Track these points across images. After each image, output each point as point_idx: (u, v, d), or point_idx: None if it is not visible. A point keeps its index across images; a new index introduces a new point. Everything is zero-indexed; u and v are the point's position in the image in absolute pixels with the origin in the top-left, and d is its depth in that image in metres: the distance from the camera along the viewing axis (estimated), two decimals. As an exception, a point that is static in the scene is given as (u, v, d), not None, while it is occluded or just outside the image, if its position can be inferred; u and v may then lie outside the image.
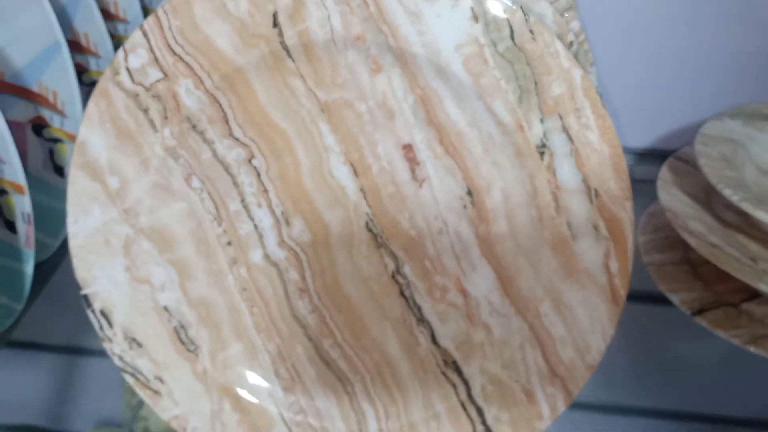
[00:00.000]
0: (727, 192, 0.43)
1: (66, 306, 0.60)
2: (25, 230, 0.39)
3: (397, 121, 0.32)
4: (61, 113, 0.45)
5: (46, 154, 0.46)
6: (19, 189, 0.38)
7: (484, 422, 0.34)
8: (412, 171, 0.33)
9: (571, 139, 0.30)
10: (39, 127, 0.46)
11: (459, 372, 0.35)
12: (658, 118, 0.57)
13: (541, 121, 0.30)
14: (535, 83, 0.30)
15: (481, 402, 0.34)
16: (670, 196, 0.48)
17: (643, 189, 0.54)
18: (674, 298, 0.48)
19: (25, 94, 0.45)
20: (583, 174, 0.31)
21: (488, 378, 0.34)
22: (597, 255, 0.31)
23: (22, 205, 0.38)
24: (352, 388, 0.35)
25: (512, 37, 0.29)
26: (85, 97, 0.47)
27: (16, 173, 0.37)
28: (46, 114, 0.45)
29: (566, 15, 0.37)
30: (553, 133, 0.30)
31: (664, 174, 0.51)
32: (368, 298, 0.34)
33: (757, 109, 0.51)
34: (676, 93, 0.57)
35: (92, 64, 0.48)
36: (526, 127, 0.31)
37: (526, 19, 0.29)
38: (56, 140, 0.46)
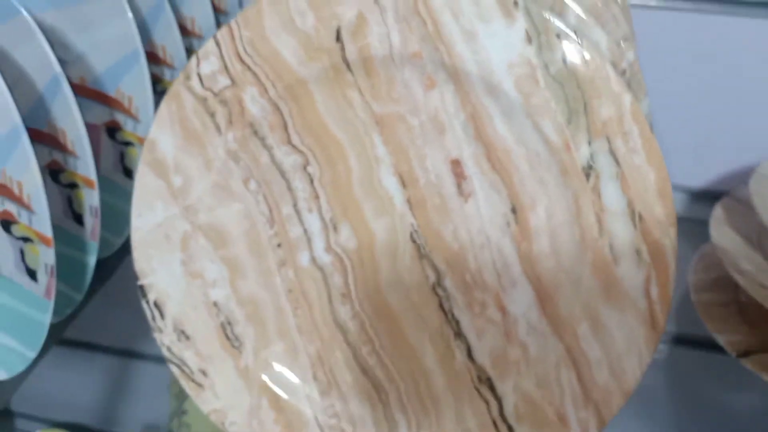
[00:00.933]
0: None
1: (122, 308, 0.62)
2: (92, 223, 0.41)
3: (447, 135, 0.33)
4: (134, 118, 0.48)
5: (117, 157, 0.49)
6: (89, 184, 0.40)
7: (515, 441, 0.34)
8: (459, 185, 0.34)
9: (617, 162, 0.31)
10: (113, 130, 0.49)
11: (492, 389, 0.35)
12: (713, 157, 0.56)
13: (589, 142, 0.31)
14: (585, 105, 0.31)
15: (512, 421, 0.34)
16: (722, 235, 0.48)
17: (695, 229, 0.53)
18: (720, 339, 0.47)
19: (103, 98, 0.48)
20: (628, 197, 0.31)
21: (521, 397, 0.34)
22: (638, 280, 0.32)
23: (91, 198, 0.41)
24: (387, 397, 0.36)
25: (564, 60, 0.30)
26: (158, 104, 0.50)
27: (88, 169, 0.40)
28: (120, 118, 0.48)
29: (623, 45, 0.38)
30: (599, 155, 0.31)
31: (718, 213, 0.51)
32: (408, 309, 0.35)
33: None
34: (732, 132, 0.56)
35: (167, 74, 0.51)
36: (574, 147, 0.31)
37: (579, 43, 0.30)
38: (128, 143, 0.49)
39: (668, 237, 0.31)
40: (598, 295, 0.32)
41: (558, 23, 0.30)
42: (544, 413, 0.34)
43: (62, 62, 0.48)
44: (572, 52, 0.30)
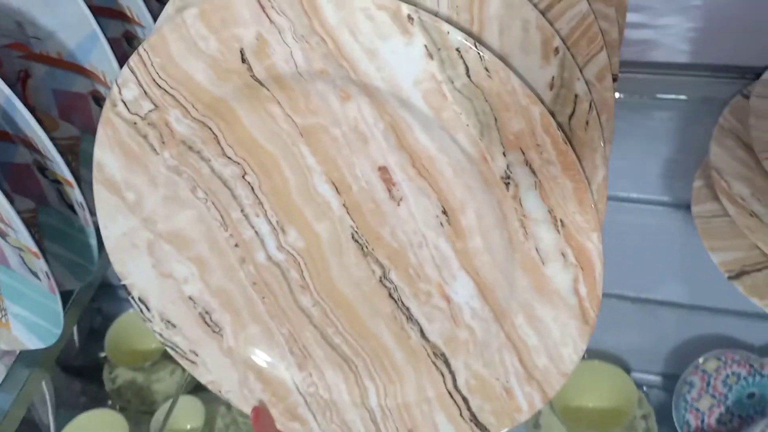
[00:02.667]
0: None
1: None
2: (83, 213, 0.44)
3: (371, 145, 0.33)
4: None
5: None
6: (68, 183, 0.43)
7: (469, 409, 0.37)
8: (389, 191, 0.34)
9: (534, 173, 0.30)
10: (97, 99, 0.50)
11: (447, 364, 0.37)
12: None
13: (504, 154, 0.30)
14: (495, 119, 0.29)
15: (465, 392, 0.37)
16: (723, 149, 0.46)
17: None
18: (715, 258, 0.46)
19: (81, 70, 0.49)
20: (548, 205, 0.30)
21: (472, 373, 0.36)
22: (566, 279, 0.32)
23: (74, 194, 0.43)
24: (356, 367, 0.39)
25: (468, 75, 0.29)
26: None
27: (63, 171, 0.42)
28: (101, 89, 0.49)
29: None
30: (515, 166, 0.30)
31: (725, 119, 0.47)
32: (361, 298, 0.37)
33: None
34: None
35: (139, 32, 0.51)
36: (490, 159, 0.30)
37: (481, 57, 0.28)
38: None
39: (591, 241, 0.31)
40: (531, 292, 0.33)
41: (458, 37, 0.28)
42: (493, 387, 0.36)
43: (36, 39, 0.49)
44: (475, 66, 0.28)
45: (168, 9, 0.35)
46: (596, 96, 0.36)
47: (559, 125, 0.29)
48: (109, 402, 0.91)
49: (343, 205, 0.35)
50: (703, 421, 0.78)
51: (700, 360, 0.76)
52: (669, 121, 0.63)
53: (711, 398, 0.78)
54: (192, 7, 0.31)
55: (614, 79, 0.40)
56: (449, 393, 0.37)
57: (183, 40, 0.32)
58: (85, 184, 0.47)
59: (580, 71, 0.33)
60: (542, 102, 0.29)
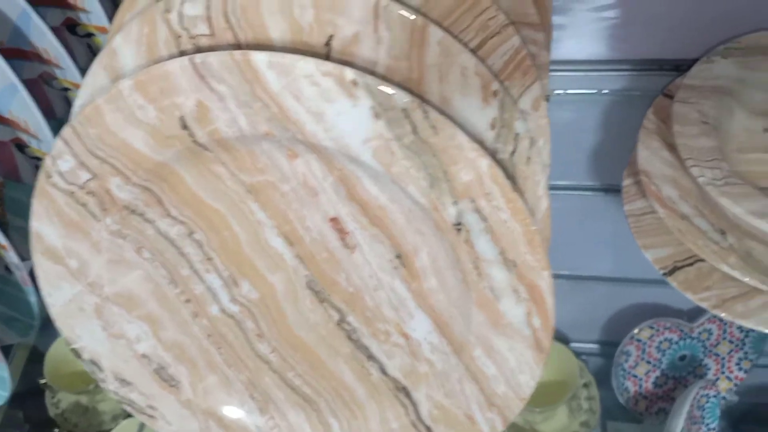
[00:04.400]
0: (695, 171, 0.42)
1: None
2: (20, 274, 0.43)
3: (321, 197, 0.33)
4: (35, 137, 0.47)
5: (33, 170, 0.49)
6: (2, 246, 0.41)
7: (434, 437, 0.38)
8: (342, 239, 0.34)
9: (484, 219, 0.31)
10: (21, 146, 0.48)
11: (409, 396, 0.38)
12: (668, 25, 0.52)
13: (454, 203, 0.31)
14: (444, 172, 0.30)
15: (429, 422, 0.38)
16: (649, 151, 0.48)
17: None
18: (648, 255, 0.49)
19: (1, 119, 0.47)
20: (499, 248, 0.31)
21: (434, 404, 0.38)
22: (520, 313, 0.33)
23: (9, 257, 0.42)
24: (318, 406, 0.40)
25: (415, 132, 0.29)
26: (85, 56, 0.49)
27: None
28: (23, 137, 0.47)
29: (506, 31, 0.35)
30: (466, 214, 0.31)
31: (648, 119, 0.49)
32: (320, 341, 0.37)
33: (755, 42, 0.47)
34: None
35: (83, 18, 0.49)
36: (441, 208, 0.31)
37: (425, 116, 0.29)
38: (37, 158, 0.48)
39: (542, 279, 0.32)
40: (487, 326, 0.34)
41: (403, 98, 0.28)
42: (455, 416, 0.37)
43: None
44: (422, 124, 0.29)
45: (95, 68, 0.34)
46: (533, 124, 0.37)
47: (507, 175, 0.30)
48: (56, 429, 0.89)
49: (297, 256, 0.35)
50: (640, 386, 0.83)
51: (635, 330, 0.81)
52: (594, 113, 0.65)
53: (647, 364, 0.82)
54: (126, 77, 0.30)
55: (547, 99, 0.42)
56: (413, 424, 0.38)
57: (120, 110, 0.31)
58: (12, 229, 0.45)
59: (518, 105, 0.34)
60: (485, 147, 0.30)
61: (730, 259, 0.41)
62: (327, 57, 0.32)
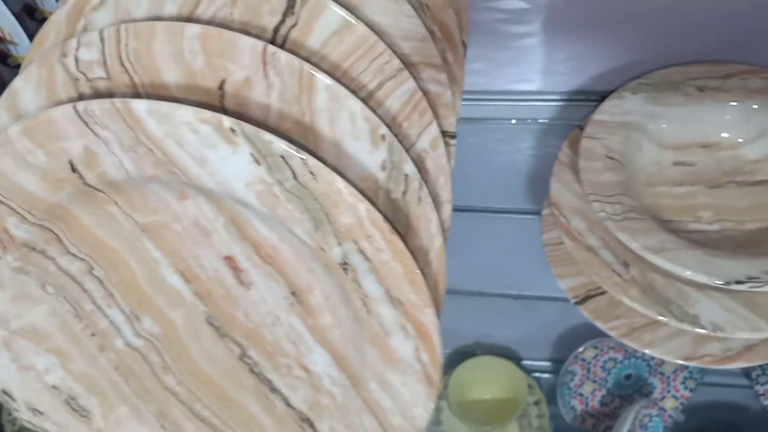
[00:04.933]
0: (596, 206, 0.43)
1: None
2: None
3: (213, 237, 0.34)
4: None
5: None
6: None
7: (339, 467, 0.39)
8: (238, 277, 0.35)
9: (368, 259, 0.32)
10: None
11: (313, 427, 0.39)
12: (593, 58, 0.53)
13: (339, 244, 0.32)
14: (326, 215, 0.31)
15: (333, 453, 0.39)
16: (561, 183, 0.49)
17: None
18: (562, 285, 0.50)
19: None
20: (384, 287, 0.32)
21: (336, 435, 0.38)
22: (409, 349, 0.34)
23: None
24: (228, 437, 0.40)
25: (295, 177, 0.30)
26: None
27: None
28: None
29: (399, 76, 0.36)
30: (351, 255, 0.32)
31: (563, 152, 0.51)
32: (223, 374, 0.38)
33: (664, 77, 0.49)
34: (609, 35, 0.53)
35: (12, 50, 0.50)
36: (327, 248, 0.32)
37: (304, 163, 0.30)
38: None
39: (426, 316, 0.33)
40: (380, 361, 0.35)
41: (281, 145, 0.29)
42: (357, 447, 0.38)
43: None
44: (301, 170, 0.30)
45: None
46: (432, 163, 0.38)
47: (386, 218, 0.31)
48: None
49: (194, 293, 0.35)
50: (587, 405, 0.84)
51: (580, 349, 0.82)
52: (530, 140, 0.67)
53: (592, 383, 0.83)
54: (15, 124, 0.30)
55: (453, 137, 0.43)
56: (318, 454, 0.39)
57: (10, 154, 0.31)
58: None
59: (406, 150, 0.35)
60: (379, 187, 0.31)
61: (631, 291, 0.42)
62: (222, 100, 0.33)
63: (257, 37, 0.33)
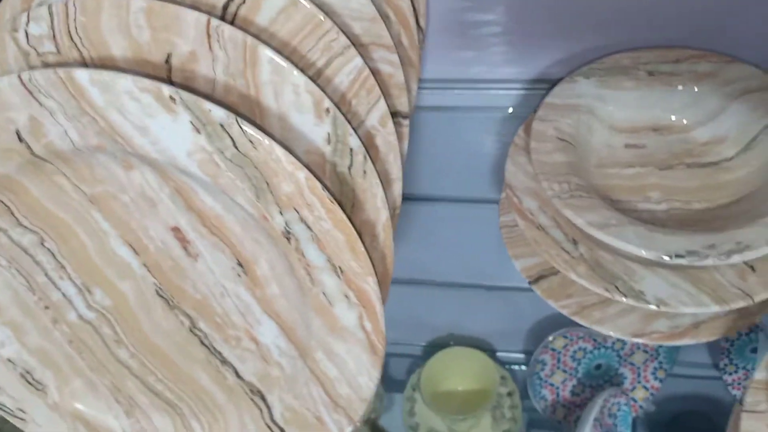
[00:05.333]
0: (544, 185, 0.44)
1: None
2: None
3: (160, 208, 0.34)
4: None
5: None
6: None
7: (288, 439, 0.40)
8: (185, 248, 0.35)
9: (309, 228, 0.32)
10: None
11: (264, 399, 0.40)
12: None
13: (280, 213, 0.32)
14: (267, 183, 0.31)
15: (282, 424, 0.39)
16: (516, 166, 0.50)
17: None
18: (517, 265, 0.51)
19: None
20: (326, 255, 0.33)
21: (285, 406, 0.39)
22: (352, 317, 0.35)
23: None
24: (181, 410, 0.41)
25: (235, 146, 0.31)
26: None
27: None
28: None
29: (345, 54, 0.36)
30: (293, 224, 0.32)
31: (518, 136, 0.52)
32: (174, 347, 0.39)
33: (616, 62, 0.50)
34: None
35: None
36: (269, 217, 0.33)
37: (243, 131, 0.30)
38: None
39: (368, 284, 0.34)
40: (326, 330, 0.36)
41: (220, 113, 0.30)
42: (305, 418, 0.39)
43: None
44: (240, 139, 0.30)
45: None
46: (381, 140, 0.39)
47: (325, 186, 0.31)
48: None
49: (143, 264, 0.36)
50: (558, 395, 0.85)
51: (549, 338, 0.82)
52: (498, 128, 0.68)
53: (563, 373, 0.84)
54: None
55: (406, 117, 0.44)
56: (268, 426, 0.40)
57: (-43, 124, 0.32)
58: None
59: (355, 127, 0.36)
60: (325, 160, 0.32)
61: (579, 268, 0.43)
62: (168, 74, 0.34)
63: (207, 14, 0.33)
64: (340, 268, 0.33)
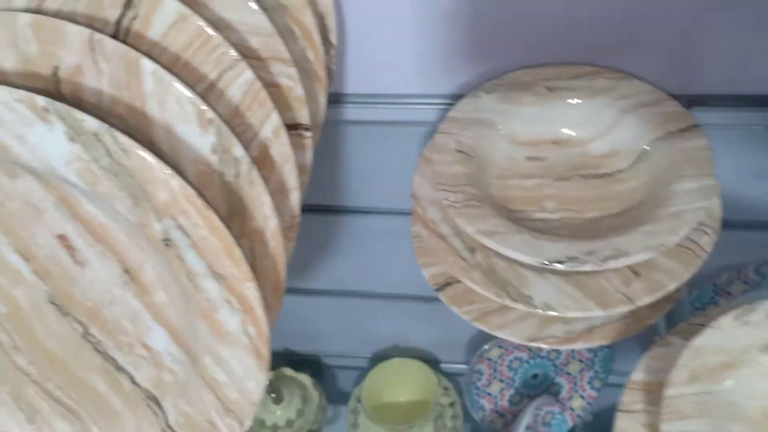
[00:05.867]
0: (441, 195, 0.45)
1: None
2: None
3: (46, 216, 0.35)
4: None
5: None
6: None
7: (184, 444, 0.40)
8: (72, 256, 0.36)
9: (187, 235, 0.34)
10: None
11: (159, 405, 0.40)
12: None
13: (159, 220, 0.33)
14: (143, 191, 0.33)
15: (177, 429, 0.40)
16: (423, 177, 0.51)
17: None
18: (425, 273, 0.52)
19: None
20: (206, 262, 0.34)
21: (179, 411, 0.40)
22: (235, 323, 0.36)
23: None
24: (80, 416, 0.42)
25: (110, 155, 0.32)
26: None
27: None
28: None
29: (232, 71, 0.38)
30: (171, 230, 0.34)
31: (427, 149, 0.53)
32: (70, 353, 0.39)
33: (516, 78, 0.52)
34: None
35: None
36: (148, 224, 0.34)
37: (115, 140, 0.31)
38: None
39: (248, 290, 0.35)
40: (212, 336, 0.37)
41: (93, 124, 0.31)
42: (199, 422, 0.40)
43: None
44: (113, 148, 0.32)
45: None
46: (276, 151, 0.41)
47: (200, 194, 0.33)
48: None
49: (34, 271, 0.37)
50: (496, 404, 0.86)
51: (485, 347, 0.83)
52: (415, 143, 0.69)
53: (500, 383, 0.85)
54: None
55: (307, 129, 0.45)
56: (163, 430, 0.41)
57: None
58: None
59: (250, 138, 0.37)
60: (212, 170, 0.33)
61: (474, 275, 0.44)
62: (57, 86, 0.35)
63: (100, 30, 0.35)
64: (220, 274, 0.34)
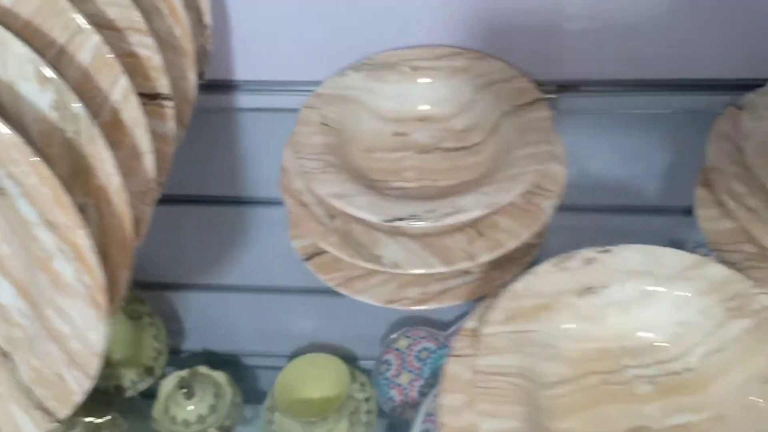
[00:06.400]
0: (299, 163, 0.48)
1: None
2: None
3: None
4: None
5: None
6: None
7: (36, 399, 0.41)
8: None
9: (19, 183, 0.35)
10: None
11: (11, 360, 0.41)
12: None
13: (-9, 169, 0.35)
14: (-29, 141, 0.34)
15: (29, 384, 0.41)
16: (291, 150, 0.53)
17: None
18: (294, 245, 0.54)
19: None
20: (38, 210, 0.36)
21: (30, 366, 0.41)
22: (71, 272, 0.37)
23: None
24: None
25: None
26: None
27: None
28: None
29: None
30: (3, 179, 0.35)
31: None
32: None
33: (384, 59, 0.54)
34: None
35: None
36: (-20, 173, 0.35)
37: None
38: None
39: (79, 238, 0.36)
40: (51, 287, 0.38)
41: None
42: (48, 376, 0.41)
43: None
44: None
45: None
46: (127, 115, 0.42)
47: (26, 142, 0.34)
48: None
49: None
50: (406, 395, 0.87)
51: (393, 336, 0.84)
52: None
53: (409, 373, 0.86)
54: None
55: (168, 98, 0.47)
56: (17, 387, 0.41)
57: None
58: None
59: (101, 102, 0.39)
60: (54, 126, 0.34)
61: (331, 238, 0.46)
62: None
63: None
64: (52, 222, 0.36)
